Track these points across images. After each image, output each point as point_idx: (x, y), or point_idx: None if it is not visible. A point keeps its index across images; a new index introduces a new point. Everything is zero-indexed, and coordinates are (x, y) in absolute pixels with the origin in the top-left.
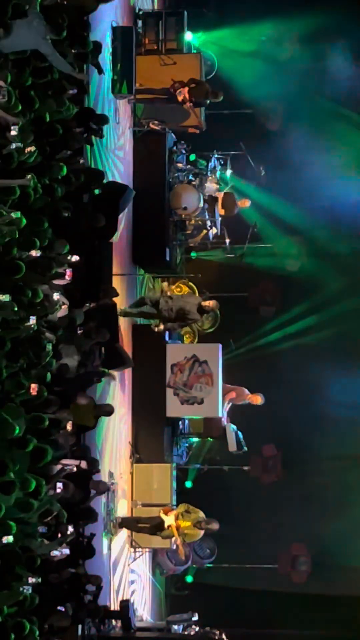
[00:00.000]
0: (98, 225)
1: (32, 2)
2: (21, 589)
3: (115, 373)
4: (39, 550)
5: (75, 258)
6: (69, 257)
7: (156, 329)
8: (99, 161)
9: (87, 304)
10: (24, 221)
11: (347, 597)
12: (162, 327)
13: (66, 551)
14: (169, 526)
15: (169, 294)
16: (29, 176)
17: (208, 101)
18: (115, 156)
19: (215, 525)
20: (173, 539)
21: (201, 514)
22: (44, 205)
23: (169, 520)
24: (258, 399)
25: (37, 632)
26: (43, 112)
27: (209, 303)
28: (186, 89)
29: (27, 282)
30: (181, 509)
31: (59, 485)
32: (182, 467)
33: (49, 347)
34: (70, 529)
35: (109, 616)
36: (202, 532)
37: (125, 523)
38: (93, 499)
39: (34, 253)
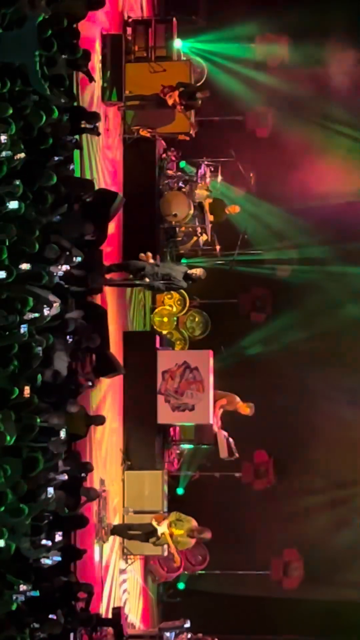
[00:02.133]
0: (88, 233)
1: (31, 15)
2: (13, 597)
3: (106, 380)
4: (28, 554)
5: (65, 267)
6: (59, 267)
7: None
8: (87, 169)
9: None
10: (14, 229)
11: (339, 603)
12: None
13: (57, 557)
14: (162, 534)
15: (152, 262)
16: (17, 182)
17: (199, 103)
18: (105, 163)
19: (208, 534)
20: (165, 546)
21: (194, 523)
22: (34, 214)
23: (161, 528)
24: (247, 410)
25: None
26: (32, 121)
27: (196, 271)
28: (176, 92)
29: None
30: (173, 517)
31: (50, 490)
32: (174, 474)
33: (39, 350)
34: (59, 537)
35: (101, 624)
36: (194, 540)
37: (116, 530)
38: (83, 506)
39: (24, 266)
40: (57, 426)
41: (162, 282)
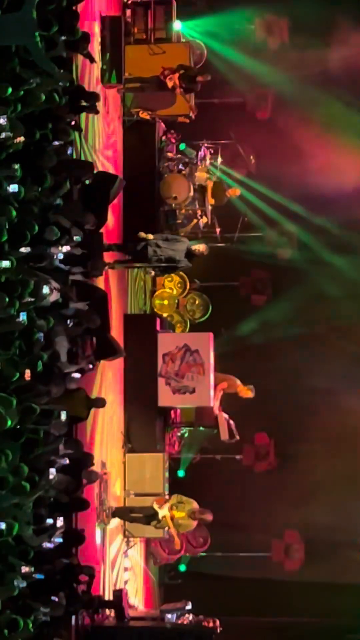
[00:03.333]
0: (88, 223)
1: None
2: (15, 582)
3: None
4: (31, 542)
5: (66, 248)
6: (60, 248)
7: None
8: (87, 151)
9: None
10: (14, 213)
11: (341, 584)
12: (152, 273)
13: (58, 539)
14: (163, 517)
15: (154, 240)
16: (16, 166)
17: (199, 86)
18: (105, 146)
19: (209, 516)
20: (166, 528)
21: (195, 505)
22: (34, 196)
23: (163, 511)
24: (248, 392)
25: (31, 625)
26: (32, 102)
27: (199, 246)
28: (176, 75)
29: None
30: (174, 500)
31: (52, 471)
32: (175, 457)
33: (40, 335)
34: (60, 522)
35: (103, 606)
36: (195, 522)
37: (118, 513)
38: (84, 487)
39: (24, 250)
40: (58, 408)
41: (164, 264)
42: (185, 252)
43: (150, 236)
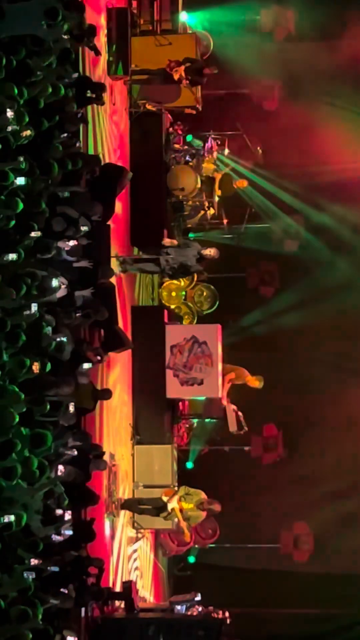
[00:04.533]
0: (96, 214)
1: None
2: (25, 575)
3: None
4: (37, 532)
5: (73, 242)
6: (67, 242)
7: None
8: (93, 143)
9: (86, 288)
10: (21, 205)
11: (349, 576)
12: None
13: (68, 532)
14: (172, 509)
15: (169, 244)
16: (21, 158)
17: (205, 78)
18: (112, 137)
19: (217, 506)
20: (176, 520)
21: (203, 495)
22: (42, 188)
23: (172, 503)
24: (256, 383)
25: (40, 617)
26: (39, 95)
27: (209, 251)
28: (182, 67)
29: (24, 268)
30: (182, 491)
31: (61, 468)
32: (183, 448)
33: (49, 330)
34: (68, 515)
35: (112, 598)
36: (204, 513)
37: (127, 505)
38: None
39: (33, 234)
40: (66, 399)
41: (176, 271)
42: (197, 256)
43: (175, 242)
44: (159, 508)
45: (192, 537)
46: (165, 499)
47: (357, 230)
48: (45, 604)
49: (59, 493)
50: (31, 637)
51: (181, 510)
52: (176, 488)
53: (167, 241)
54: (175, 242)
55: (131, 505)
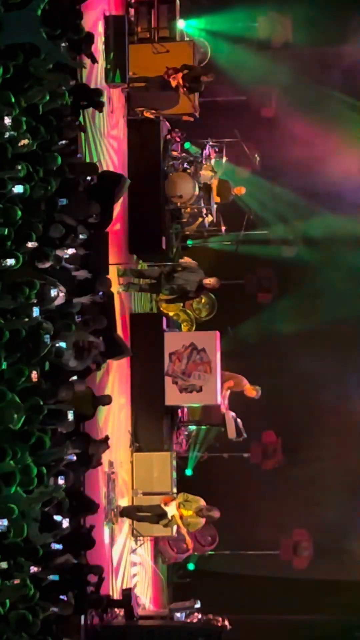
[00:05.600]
0: (93, 214)
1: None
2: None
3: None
4: (35, 539)
5: (71, 251)
6: (65, 250)
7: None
8: (93, 150)
9: (84, 296)
10: (19, 213)
11: (349, 582)
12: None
13: (58, 546)
14: (172, 516)
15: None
16: (19, 166)
17: (202, 85)
18: (110, 145)
19: (216, 513)
20: (175, 527)
21: (202, 502)
22: (40, 196)
23: (171, 510)
24: (253, 392)
25: (40, 624)
26: (37, 102)
27: (210, 281)
28: (180, 74)
29: (23, 276)
30: (180, 498)
31: (60, 478)
32: (182, 455)
33: (47, 338)
34: (65, 523)
35: (112, 605)
36: (204, 520)
37: (126, 512)
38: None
39: (30, 245)
40: (65, 408)
41: (175, 294)
42: (197, 285)
43: (194, 263)
44: (158, 516)
45: (191, 544)
46: (164, 506)
47: (355, 236)
48: (45, 611)
49: (60, 499)
50: None
51: (181, 517)
52: (175, 495)
53: (186, 260)
54: (194, 263)
55: (130, 512)
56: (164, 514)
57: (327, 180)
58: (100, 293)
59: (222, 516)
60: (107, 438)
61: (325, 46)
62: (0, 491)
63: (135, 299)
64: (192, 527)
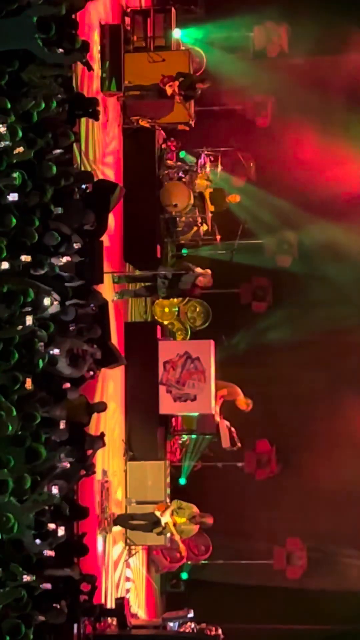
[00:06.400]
0: (88, 222)
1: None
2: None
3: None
4: (31, 547)
5: (66, 258)
6: (60, 258)
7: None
8: (85, 160)
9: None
10: (14, 221)
11: (343, 592)
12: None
13: (50, 553)
14: (165, 524)
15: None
16: (14, 174)
17: (198, 92)
18: (105, 154)
19: (209, 519)
20: (168, 535)
21: (195, 509)
22: (35, 204)
23: (165, 518)
24: (244, 406)
25: (32, 633)
26: (31, 110)
27: (202, 280)
28: (176, 82)
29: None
30: (174, 505)
31: (55, 489)
32: (176, 464)
33: (41, 346)
34: (61, 531)
35: (105, 614)
36: (197, 527)
37: (119, 520)
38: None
39: (24, 258)
40: (58, 417)
41: (171, 293)
42: (191, 285)
43: (209, 271)
44: (153, 524)
45: (185, 551)
46: (158, 513)
47: (350, 245)
48: (37, 620)
49: (54, 505)
50: None
51: (174, 525)
52: (168, 502)
53: (199, 270)
54: (208, 271)
55: (123, 521)
56: (157, 522)
57: (322, 190)
58: (92, 305)
59: (216, 525)
60: (102, 435)
61: (321, 56)
62: None
63: (130, 308)
64: (186, 534)
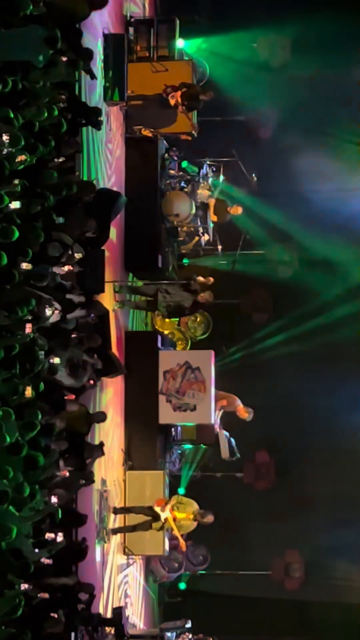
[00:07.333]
0: (90, 231)
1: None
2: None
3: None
4: (30, 556)
5: (67, 268)
6: (62, 268)
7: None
8: (89, 169)
9: (79, 311)
10: (17, 234)
11: (340, 604)
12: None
13: (48, 560)
14: (165, 519)
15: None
16: (16, 181)
17: (201, 104)
18: (107, 163)
19: (210, 517)
20: (168, 530)
21: (196, 506)
22: (37, 212)
23: (164, 513)
24: (245, 415)
25: None
26: (34, 118)
27: (203, 295)
28: (178, 92)
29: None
30: (174, 501)
31: (54, 498)
32: (175, 474)
33: (42, 355)
34: (60, 537)
35: (102, 623)
36: (196, 523)
37: (118, 510)
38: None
39: (25, 266)
40: (57, 426)
41: (171, 311)
42: (192, 301)
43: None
44: (152, 518)
45: (184, 546)
46: (157, 509)
47: (349, 259)
48: (35, 628)
49: (52, 513)
50: None
51: (174, 520)
52: (167, 498)
53: (201, 279)
54: (211, 279)
55: (122, 511)
56: (157, 516)
57: (323, 202)
58: (92, 315)
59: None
60: (102, 444)
61: (324, 68)
62: None
63: (131, 317)
64: (184, 530)
